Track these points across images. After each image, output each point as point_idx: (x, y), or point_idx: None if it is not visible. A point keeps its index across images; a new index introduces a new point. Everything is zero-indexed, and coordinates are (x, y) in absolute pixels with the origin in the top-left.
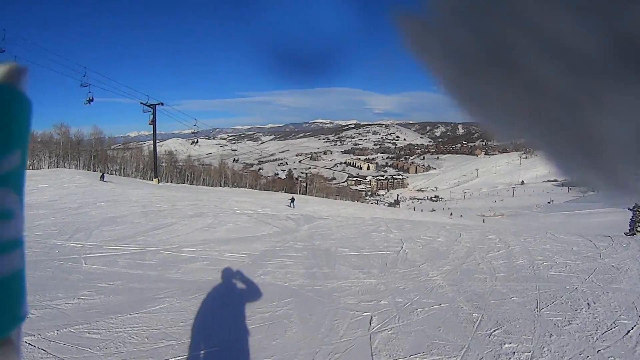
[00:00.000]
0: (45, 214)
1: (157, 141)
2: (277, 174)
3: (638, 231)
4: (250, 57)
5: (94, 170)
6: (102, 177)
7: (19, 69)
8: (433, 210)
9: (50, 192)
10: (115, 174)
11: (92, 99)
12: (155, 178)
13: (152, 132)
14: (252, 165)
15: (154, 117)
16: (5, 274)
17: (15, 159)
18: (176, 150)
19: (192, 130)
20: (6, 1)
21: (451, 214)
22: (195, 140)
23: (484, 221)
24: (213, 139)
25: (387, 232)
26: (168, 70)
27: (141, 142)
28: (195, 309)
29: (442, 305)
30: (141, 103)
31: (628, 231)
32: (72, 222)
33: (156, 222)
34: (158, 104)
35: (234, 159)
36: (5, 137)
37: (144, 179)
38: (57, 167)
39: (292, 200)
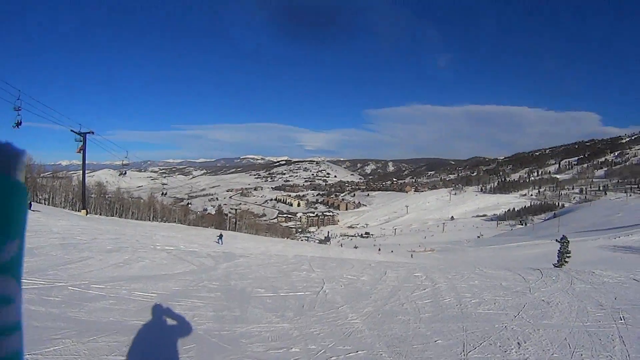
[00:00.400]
0: None
1: (87, 171)
2: (207, 209)
3: (566, 262)
4: (184, 88)
5: None
6: (29, 205)
7: (16, 154)
8: (356, 247)
9: None
10: (45, 204)
11: (20, 122)
12: (83, 209)
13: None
14: (182, 199)
15: (84, 145)
16: (7, 354)
17: (15, 248)
18: (107, 181)
19: (123, 162)
20: None
21: (379, 250)
22: (124, 171)
23: (412, 256)
24: (144, 171)
25: (309, 271)
26: (102, 99)
27: (72, 172)
28: (88, 354)
29: (359, 352)
30: (72, 131)
31: (556, 262)
32: None
33: (72, 255)
34: (88, 133)
35: (162, 193)
36: (5, 228)
37: (72, 209)
38: None
39: (220, 236)
